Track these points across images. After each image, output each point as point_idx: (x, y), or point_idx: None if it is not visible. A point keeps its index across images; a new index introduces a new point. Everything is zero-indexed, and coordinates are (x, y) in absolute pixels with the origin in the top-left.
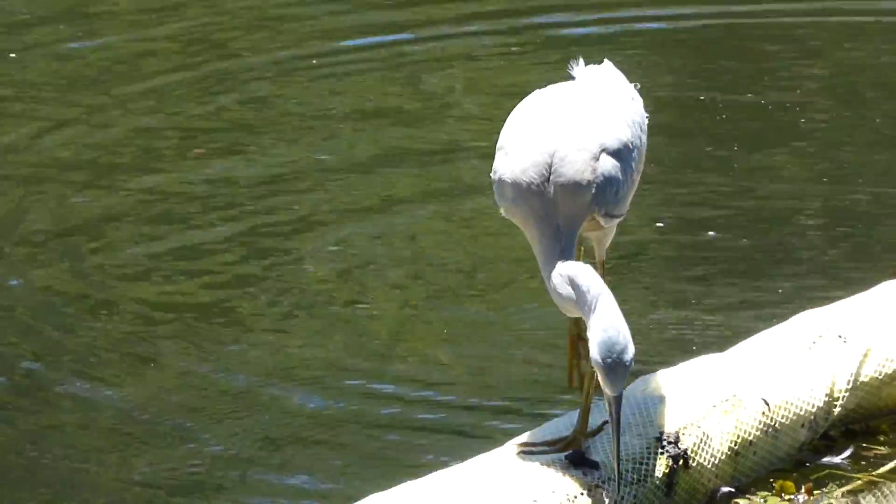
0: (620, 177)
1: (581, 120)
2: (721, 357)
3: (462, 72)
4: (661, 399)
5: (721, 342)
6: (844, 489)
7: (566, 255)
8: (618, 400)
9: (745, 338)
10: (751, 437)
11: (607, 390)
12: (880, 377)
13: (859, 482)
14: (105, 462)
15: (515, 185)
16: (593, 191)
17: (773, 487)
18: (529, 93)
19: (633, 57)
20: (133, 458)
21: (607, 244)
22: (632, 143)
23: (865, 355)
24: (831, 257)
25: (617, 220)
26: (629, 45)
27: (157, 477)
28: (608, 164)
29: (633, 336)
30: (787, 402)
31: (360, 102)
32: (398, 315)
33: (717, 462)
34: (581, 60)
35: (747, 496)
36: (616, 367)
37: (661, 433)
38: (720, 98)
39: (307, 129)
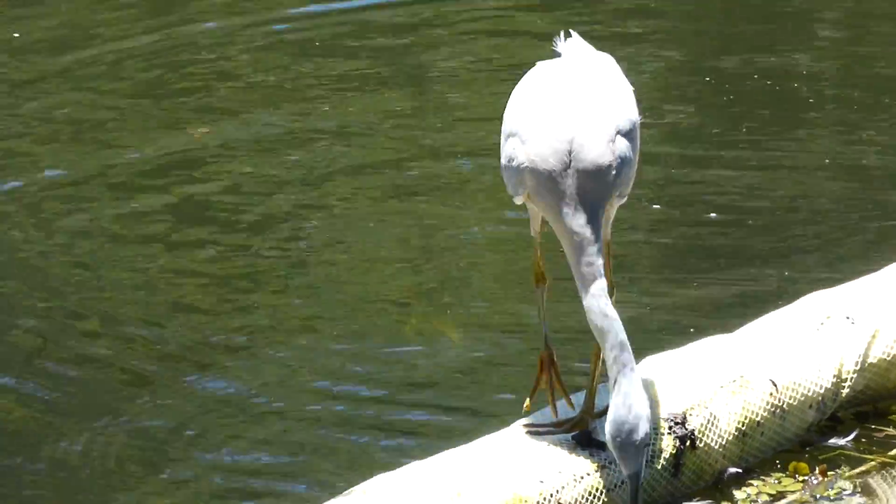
0: (632, 156)
1: (595, 103)
2: (728, 337)
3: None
4: (668, 379)
5: (726, 325)
6: (857, 470)
7: (598, 251)
8: (632, 479)
9: (751, 320)
10: (758, 418)
11: (622, 468)
12: (888, 359)
13: (872, 463)
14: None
15: (536, 174)
16: (613, 173)
17: (787, 469)
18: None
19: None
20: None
21: (610, 223)
22: (637, 121)
23: (874, 337)
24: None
25: (623, 199)
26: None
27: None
28: (623, 146)
29: (634, 322)
30: (794, 383)
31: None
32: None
33: (724, 443)
34: (563, 36)
35: (761, 477)
36: (625, 446)
37: (669, 414)
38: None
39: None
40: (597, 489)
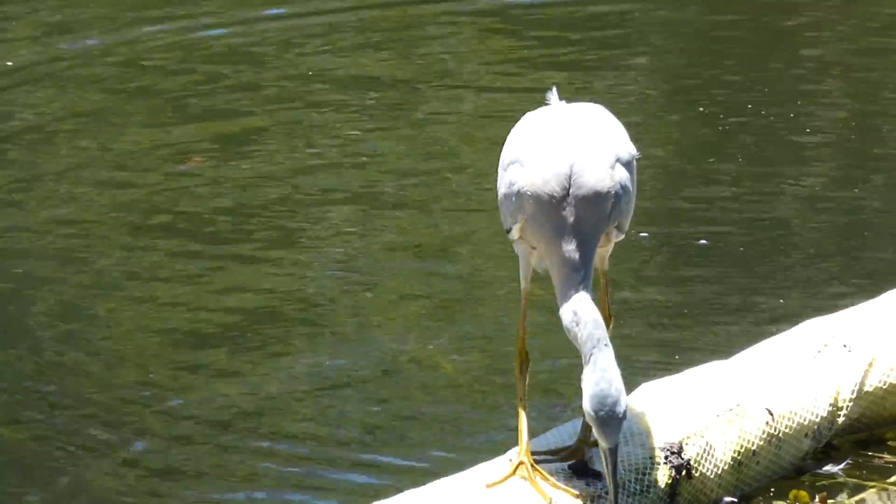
0: (631, 188)
1: (594, 132)
2: (725, 364)
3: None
4: (665, 408)
5: (723, 351)
6: (856, 498)
7: (586, 278)
8: (612, 452)
9: (749, 345)
10: (754, 447)
11: (601, 442)
12: (885, 387)
13: (872, 491)
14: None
15: (536, 198)
16: (612, 200)
17: (786, 496)
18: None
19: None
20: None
21: (608, 256)
22: (635, 155)
23: (870, 365)
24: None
25: (622, 235)
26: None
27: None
28: (622, 175)
29: (629, 350)
30: (791, 412)
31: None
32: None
33: (720, 472)
34: (555, 90)
35: None
36: (608, 420)
37: (665, 443)
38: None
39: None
40: None
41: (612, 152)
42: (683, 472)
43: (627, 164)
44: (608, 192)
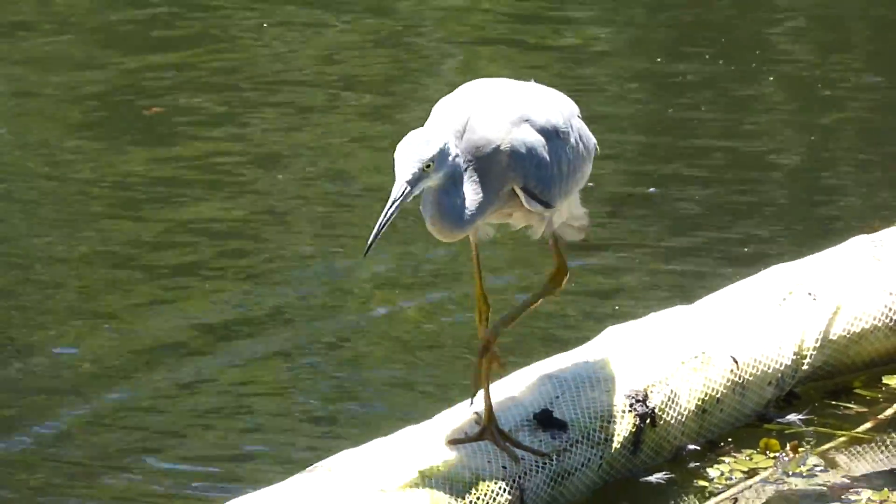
0: (546, 156)
1: (506, 94)
2: (689, 309)
3: None
4: (630, 354)
5: (687, 295)
6: (827, 446)
7: (473, 214)
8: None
9: (712, 291)
10: (718, 395)
11: (399, 179)
12: (849, 336)
13: (842, 439)
14: None
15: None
16: (508, 152)
17: (757, 445)
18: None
19: None
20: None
21: (549, 224)
22: (564, 132)
23: (835, 313)
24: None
25: (547, 212)
26: None
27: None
28: (530, 135)
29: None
30: (755, 360)
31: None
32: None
33: (683, 420)
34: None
35: (732, 454)
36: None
37: (630, 391)
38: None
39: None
40: (559, 474)
41: (519, 112)
42: (648, 421)
43: (544, 131)
44: (502, 144)
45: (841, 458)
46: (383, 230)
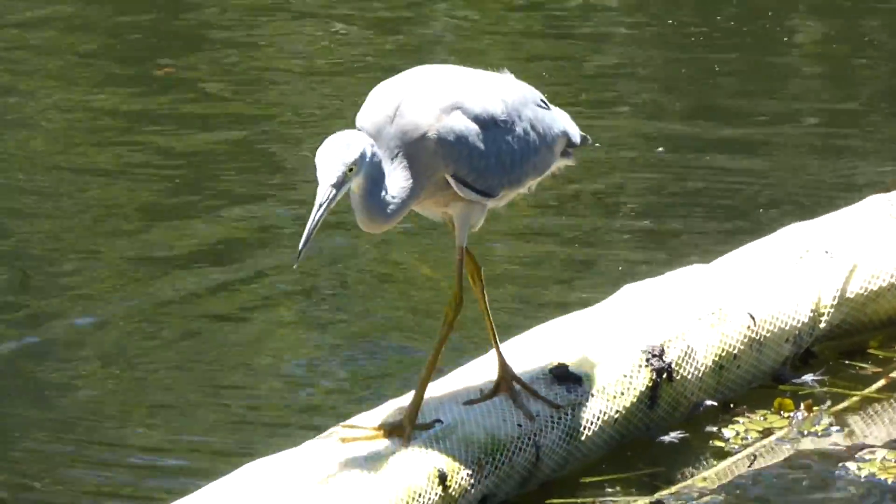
0: (481, 145)
1: (442, 80)
2: (706, 268)
3: None
4: (647, 310)
5: (704, 255)
6: (841, 406)
7: (400, 205)
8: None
9: (729, 250)
10: (735, 351)
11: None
12: (866, 294)
13: (855, 399)
14: None
15: (362, 130)
16: (436, 139)
17: (771, 405)
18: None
19: None
20: None
21: (469, 226)
22: (504, 121)
23: (852, 271)
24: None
25: (481, 200)
26: None
27: None
28: (460, 122)
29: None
30: (772, 317)
31: None
32: None
33: (700, 375)
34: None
35: (746, 414)
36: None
37: (647, 346)
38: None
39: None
40: (574, 429)
41: (451, 99)
42: (665, 375)
43: (479, 120)
44: (425, 132)
45: (855, 418)
46: (313, 235)
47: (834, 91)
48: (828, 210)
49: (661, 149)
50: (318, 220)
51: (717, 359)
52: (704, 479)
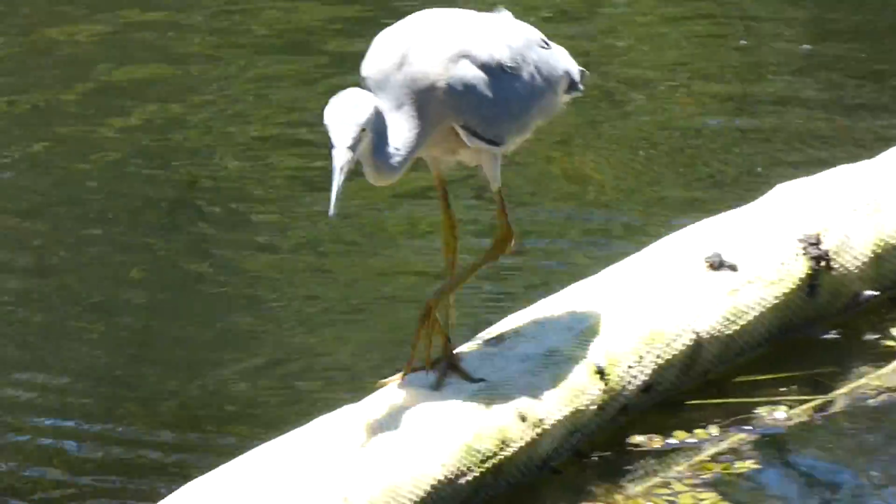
0: (489, 93)
1: (447, 26)
2: (858, 165)
3: None
4: (800, 202)
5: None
6: None
7: (406, 153)
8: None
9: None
10: (893, 241)
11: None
12: None
13: None
14: None
15: (368, 79)
16: (445, 89)
17: None
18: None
19: None
20: None
21: (496, 174)
22: (512, 67)
23: None
24: None
25: (491, 149)
26: None
27: None
28: (469, 72)
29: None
30: None
31: None
32: None
33: (859, 264)
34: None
35: None
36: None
37: (803, 234)
38: None
39: None
40: (734, 314)
41: (458, 47)
42: (823, 263)
43: (486, 67)
44: (439, 80)
45: None
46: (340, 196)
47: None
48: None
49: (806, 45)
50: (341, 184)
51: (875, 248)
52: (879, 377)
